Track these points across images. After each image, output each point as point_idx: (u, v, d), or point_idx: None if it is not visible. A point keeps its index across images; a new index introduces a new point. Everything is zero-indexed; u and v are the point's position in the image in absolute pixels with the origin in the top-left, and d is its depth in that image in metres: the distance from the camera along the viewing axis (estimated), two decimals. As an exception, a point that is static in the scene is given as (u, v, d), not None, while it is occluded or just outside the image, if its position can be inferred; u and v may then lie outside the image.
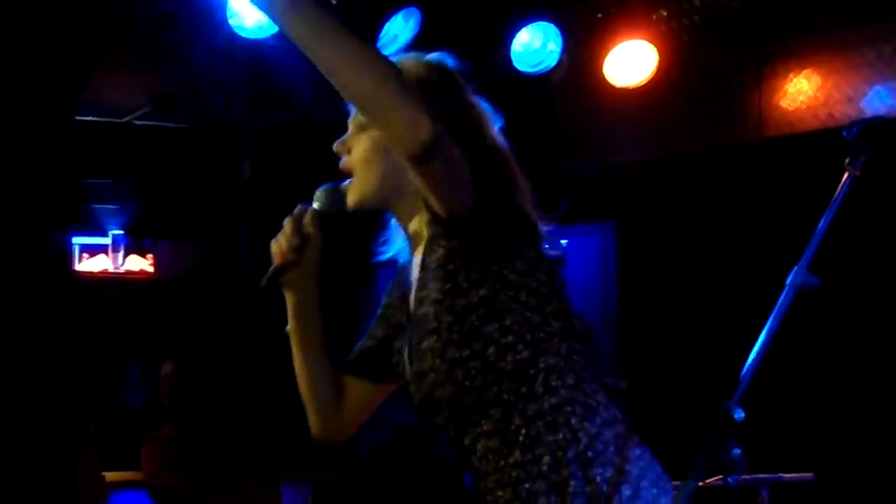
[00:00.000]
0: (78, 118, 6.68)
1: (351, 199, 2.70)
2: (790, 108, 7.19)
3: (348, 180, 2.72)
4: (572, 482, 2.43)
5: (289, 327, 2.86)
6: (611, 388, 2.53)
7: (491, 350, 2.48)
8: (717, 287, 7.56)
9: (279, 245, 2.76)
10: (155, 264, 10.32)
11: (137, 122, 9.29)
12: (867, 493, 6.61)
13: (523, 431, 2.48)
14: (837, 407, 6.83)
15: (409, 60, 2.66)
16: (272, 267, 2.73)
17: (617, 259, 8.75)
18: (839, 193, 2.48)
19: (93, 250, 10.07)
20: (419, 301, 2.59)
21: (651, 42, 6.96)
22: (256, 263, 6.43)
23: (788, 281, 2.38)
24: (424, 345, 2.55)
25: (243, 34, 6.22)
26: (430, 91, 2.54)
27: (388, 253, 2.84)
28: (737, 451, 2.22)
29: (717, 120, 7.33)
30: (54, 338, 5.64)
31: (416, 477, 8.64)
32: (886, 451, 6.62)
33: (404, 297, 2.74)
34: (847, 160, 2.51)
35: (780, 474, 5.14)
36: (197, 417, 6.47)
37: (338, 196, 2.72)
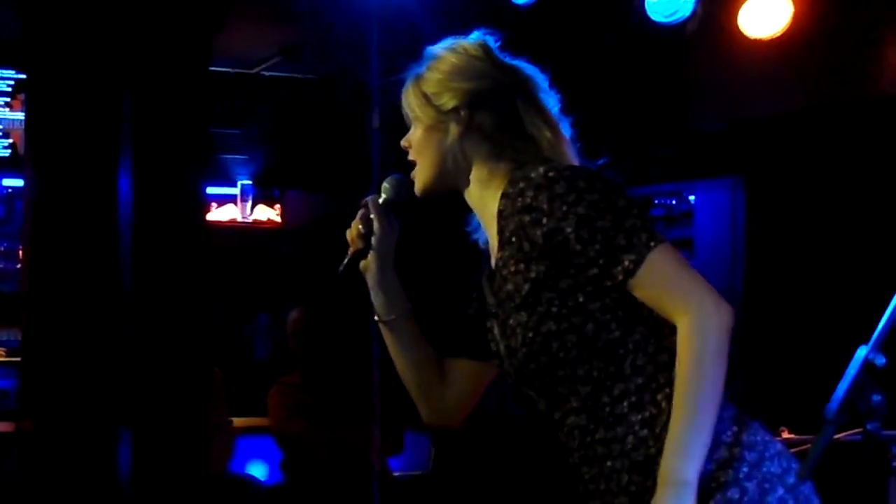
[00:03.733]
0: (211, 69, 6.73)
1: (416, 188, 2.78)
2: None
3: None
4: (657, 460, 2.44)
5: (376, 316, 2.91)
6: None
7: (589, 326, 2.51)
8: (849, 239, 7.44)
9: (350, 234, 2.85)
10: (283, 214, 10.42)
11: (266, 73, 9.34)
12: None
13: (607, 409, 2.53)
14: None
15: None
16: (348, 255, 2.83)
17: (745, 214, 8.65)
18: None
19: (221, 200, 10.18)
20: (504, 278, 2.62)
21: (786, -7, 6.85)
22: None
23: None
24: (512, 321, 2.59)
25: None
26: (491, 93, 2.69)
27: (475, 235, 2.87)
28: (877, 397, 2.17)
29: (853, 73, 7.18)
30: (187, 285, 5.70)
31: (531, 433, 8.62)
32: None
33: (490, 275, 2.76)
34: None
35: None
36: (323, 364, 6.52)
37: (403, 186, 2.82)
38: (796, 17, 6.84)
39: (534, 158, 2.64)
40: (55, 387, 5.45)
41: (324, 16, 6.97)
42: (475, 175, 2.72)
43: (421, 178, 2.76)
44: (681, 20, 6.67)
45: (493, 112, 2.70)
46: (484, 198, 2.71)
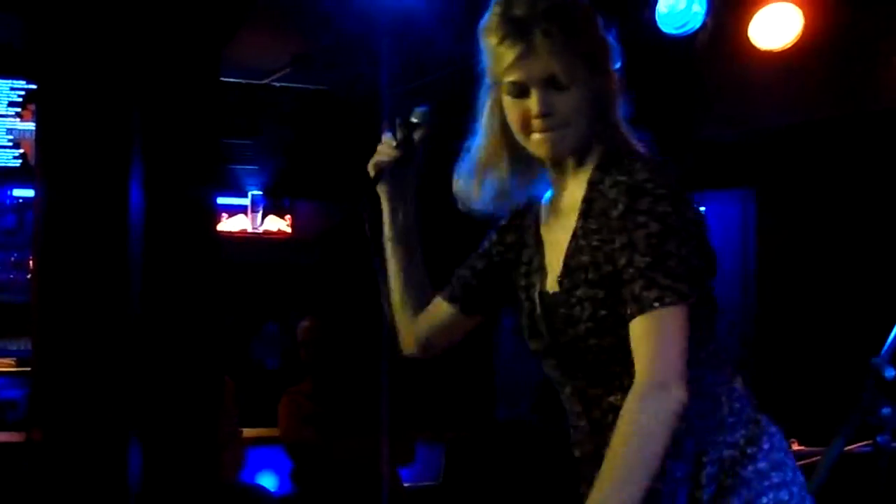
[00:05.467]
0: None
1: (553, 152, 2.62)
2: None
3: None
4: (686, 448, 2.48)
5: (385, 234, 2.89)
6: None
7: None
8: (860, 253, 7.43)
9: (382, 146, 2.82)
10: (293, 225, 10.43)
11: (277, 84, 9.36)
12: None
13: None
14: None
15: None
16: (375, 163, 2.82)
17: (756, 225, 8.64)
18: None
19: (232, 210, 10.19)
20: (580, 247, 2.56)
21: (797, 4, 6.84)
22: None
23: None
24: (581, 292, 2.53)
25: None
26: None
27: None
28: (887, 409, 2.16)
29: (863, 85, 7.16)
30: (197, 295, 5.70)
31: (552, 440, 8.61)
32: None
33: (537, 241, 2.73)
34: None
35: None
36: (333, 374, 6.54)
37: (431, 119, 2.81)
38: (807, 29, 6.84)
39: (624, 135, 2.61)
40: (65, 397, 5.45)
41: (334, 26, 6.98)
42: (589, 143, 2.61)
43: (568, 142, 2.59)
44: (691, 32, 6.69)
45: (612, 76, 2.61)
46: (571, 160, 2.64)
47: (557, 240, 2.65)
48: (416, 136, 2.79)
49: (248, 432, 6.98)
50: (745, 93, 7.52)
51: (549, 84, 2.54)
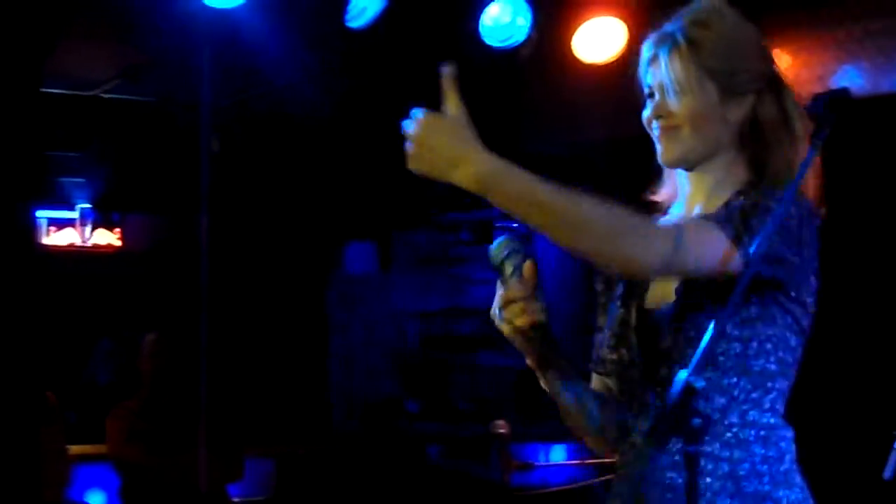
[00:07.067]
0: (46, 91, 6.63)
1: (668, 158, 2.70)
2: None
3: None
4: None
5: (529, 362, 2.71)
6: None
7: (755, 345, 2.56)
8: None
9: (504, 296, 2.61)
10: (122, 238, 10.31)
11: (106, 96, 9.24)
12: None
13: (734, 430, 2.57)
14: None
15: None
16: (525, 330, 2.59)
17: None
18: (802, 167, 2.49)
19: (60, 224, 10.04)
20: None
21: (621, 18, 6.90)
22: (217, 239, 6.42)
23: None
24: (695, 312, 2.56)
25: (215, 5, 6.15)
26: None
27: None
28: (696, 420, 2.17)
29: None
30: (16, 309, 5.61)
31: (382, 451, 8.64)
32: None
33: None
34: (811, 133, 2.53)
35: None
36: (170, 389, 6.48)
37: (518, 242, 2.66)
38: (631, 43, 6.91)
39: (772, 163, 2.65)
40: None
41: (163, 38, 6.92)
42: (720, 157, 2.68)
43: (682, 151, 2.67)
44: (515, 45, 6.71)
45: (765, 104, 2.68)
46: (710, 179, 2.70)
47: None
48: (516, 265, 2.62)
49: (77, 449, 6.87)
50: (569, 106, 7.59)
51: (667, 90, 2.65)
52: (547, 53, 7.01)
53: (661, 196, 2.85)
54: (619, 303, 2.74)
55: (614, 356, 2.72)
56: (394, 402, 10.33)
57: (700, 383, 2.14)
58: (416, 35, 6.26)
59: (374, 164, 9.20)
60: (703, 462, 2.50)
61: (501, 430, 5.52)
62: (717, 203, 2.61)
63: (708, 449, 2.53)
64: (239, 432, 6.74)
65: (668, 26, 2.67)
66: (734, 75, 2.64)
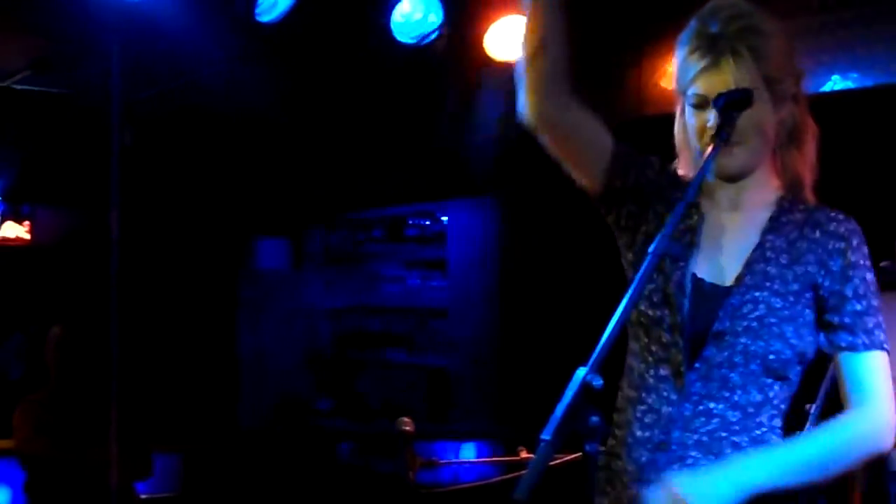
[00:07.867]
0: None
1: (735, 167, 2.73)
2: (670, 87, 7.20)
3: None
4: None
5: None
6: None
7: (793, 352, 2.66)
8: (592, 259, 7.59)
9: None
10: (32, 231, 10.19)
11: (16, 87, 9.14)
12: None
13: (763, 430, 2.68)
14: None
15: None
16: None
17: (498, 233, 8.77)
18: (705, 163, 2.55)
19: (-32, 217, 9.93)
20: (766, 258, 2.70)
21: (532, 17, 6.91)
22: (128, 233, 6.37)
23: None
24: (759, 294, 2.66)
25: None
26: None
27: None
28: (595, 418, 2.20)
29: (598, 96, 7.32)
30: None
31: (291, 448, 8.62)
32: None
33: (699, 218, 2.81)
34: (714, 131, 2.58)
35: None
36: (76, 382, 6.42)
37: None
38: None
39: (796, 165, 2.76)
40: None
41: (73, 29, 6.86)
42: (767, 170, 2.78)
43: (745, 161, 2.72)
44: (427, 41, 6.71)
45: (798, 107, 2.76)
46: (748, 184, 2.77)
47: (725, 234, 2.76)
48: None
49: (-14, 444, 6.81)
50: (482, 102, 7.60)
51: None
52: (460, 51, 7.02)
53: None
54: (676, 265, 2.78)
55: (654, 313, 2.76)
56: (304, 399, 10.32)
57: (598, 381, 2.17)
58: (329, 30, 6.25)
59: (287, 159, 9.18)
60: (728, 451, 2.63)
61: (406, 428, 5.53)
62: (756, 207, 2.76)
63: (736, 439, 2.64)
64: (147, 428, 6.69)
65: (714, 29, 2.68)
66: (783, 82, 2.70)
